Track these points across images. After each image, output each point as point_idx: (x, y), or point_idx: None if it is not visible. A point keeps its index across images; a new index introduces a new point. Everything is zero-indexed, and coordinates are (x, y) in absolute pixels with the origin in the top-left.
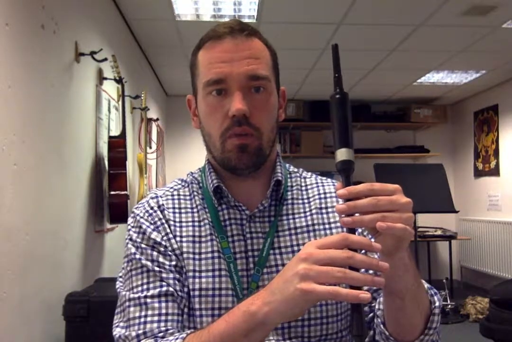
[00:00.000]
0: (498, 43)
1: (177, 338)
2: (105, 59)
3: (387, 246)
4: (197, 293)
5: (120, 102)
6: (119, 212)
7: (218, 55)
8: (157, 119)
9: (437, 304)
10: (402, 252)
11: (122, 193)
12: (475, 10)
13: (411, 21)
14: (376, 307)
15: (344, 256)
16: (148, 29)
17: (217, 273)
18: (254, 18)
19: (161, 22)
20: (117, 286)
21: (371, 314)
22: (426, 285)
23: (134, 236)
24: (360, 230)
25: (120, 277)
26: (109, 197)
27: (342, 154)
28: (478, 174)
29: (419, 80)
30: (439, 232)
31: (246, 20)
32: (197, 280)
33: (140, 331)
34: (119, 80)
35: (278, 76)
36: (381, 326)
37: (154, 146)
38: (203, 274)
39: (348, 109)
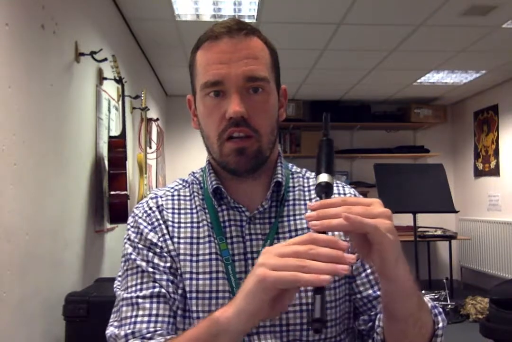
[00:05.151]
0: (498, 43)
1: None
2: (105, 59)
3: (373, 262)
4: (194, 295)
5: (120, 102)
6: (119, 212)
7: (215, 56)
8: (157, 119)
9: (440, 325)
10: (397, 274)
11: (122, 193)
12: (475, 10)
13: (411, 21)
14: (376, 323)
15: (306, 248)
16: (148, 29)
17: (214, 275)
18: (254, 18)
19: (161, 22)
20: (114, 285)
21: (370, 323)
22: (430, 304)
23: (132, 236)
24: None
25: (119, 276)
26: (109, 197)
27: (324, 177)
28: (478, 173)
29: (419, 80)
30: (439, 232)
31: (246, 20)
32: (194, 282)
33: (129, 331)
34: (119, 80)
35: (278, 76)
36: None
37: (154, 146)
38: (200, 276)
39: (333, 150)
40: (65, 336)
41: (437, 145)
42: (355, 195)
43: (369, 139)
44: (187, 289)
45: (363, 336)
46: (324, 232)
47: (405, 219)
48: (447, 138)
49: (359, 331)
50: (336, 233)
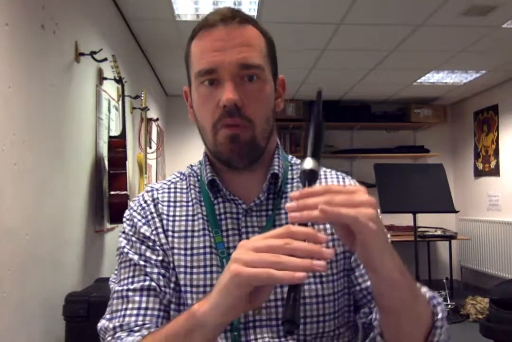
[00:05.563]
0: (498, 43)
1: (138, 336)
2: (105, 59)
3: (357, 253)
4: (188, 289)
5: (120, 102)
6: (119, 212)
7: (210, 44)
8: (157, 119)
9: (439, 316)
10: (383, 265)
11: (122, 193)
12: (475, 10)
13: (411, 21)
14: (373, 316)
15: (282, 243)
16: (148, 29)
17: (208, 269)
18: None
19: (161, 22)
20: (110, 279)
21: (371, 316)
22: (428, 294)
23: (127, 228)
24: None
25: (115, 269)
26: (109, 197)
27: (309, 164)
28: (478, 174)
29: (419, 80)
30: (439, 232)
31: None
32: (188, 276)
33: (118, 324)
34: (119, 80)
35: (275, 65)
36: (379, 337)
37: (154, 146)
38: (195, 270)
39: (322, 132)
40: (65, 336)
41: (437, 145)
42: None
43: (369, 139)
44: (182, 283)
45: (365, 329)
46: (306, 224)
47: (405, 219)
48: (447, 138)
49: (362, 324)
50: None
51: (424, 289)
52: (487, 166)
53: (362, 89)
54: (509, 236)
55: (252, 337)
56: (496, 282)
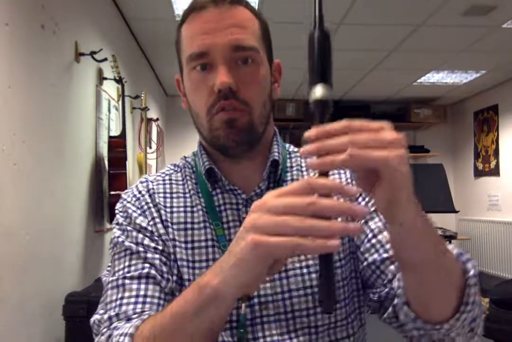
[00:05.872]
0: (498, 43)
1: (137, 320)
2: (105, 59)
3: (382, 201)
4: None
5: (120, 102)
6: None
7: (200, 27)
8: (157, 119)
9: (471, 272)
10: (409, 211)
11: (122, 193)
12: (475, 10)
13: (411, 21)
14: (396, 284)
15: (305, 202)
16: (148, 29)
17: (211, 263)
18: None
19: (161, 22)
20: (103, 274)
21: (386, 290)
22: (456, 251)
23: (121, 219)
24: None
25: (108, 266)
26: (109, 197)
27: (320, 90)
28: (478, 174)
29: (419, 80)
30: (439, 232)
31: None
32: (191, 271)
33: (113, 313)
34: (119, 80)
35: (270, 48)
36: (405, 307)
37: (154, 146)
38: (197, 265)
39: (330, 48)
40: (65, 336)
41: (437, 145)
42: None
43: None
44: (185, 277)
45: (383, 303)
46: (326, 173)
47: None
48: (447, 138)
49: (378, 299)
50: None
51: (451, 246)
52: (487, 166)
53: (362, 89)
54: (509, 236)
55: (260, 334)
56: (496, 282)
